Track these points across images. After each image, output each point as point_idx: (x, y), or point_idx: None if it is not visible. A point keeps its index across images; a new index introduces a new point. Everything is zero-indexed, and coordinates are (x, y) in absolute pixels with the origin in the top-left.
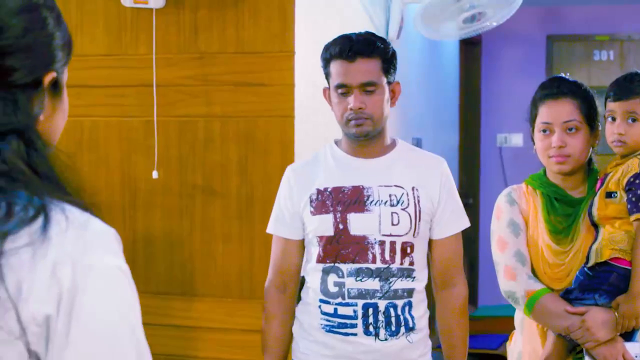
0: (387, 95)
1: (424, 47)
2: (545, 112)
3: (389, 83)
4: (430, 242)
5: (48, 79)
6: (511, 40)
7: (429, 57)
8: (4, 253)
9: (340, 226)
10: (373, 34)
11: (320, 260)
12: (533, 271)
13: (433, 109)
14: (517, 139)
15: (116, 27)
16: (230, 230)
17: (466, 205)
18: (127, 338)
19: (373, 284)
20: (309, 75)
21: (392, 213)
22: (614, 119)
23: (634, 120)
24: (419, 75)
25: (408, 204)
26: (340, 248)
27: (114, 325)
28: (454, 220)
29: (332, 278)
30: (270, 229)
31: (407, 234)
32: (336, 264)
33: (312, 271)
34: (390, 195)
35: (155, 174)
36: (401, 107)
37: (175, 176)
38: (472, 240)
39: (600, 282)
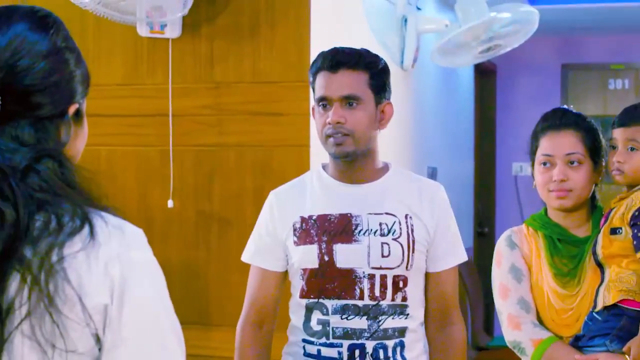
0: (372, 113)
1: (439, 76)
2: (547, 144)
3: (378, 102)
4: (425, 275)
5: (72, 110)
6: (526, 69)
7: (444, 86)
8: (65, 258)
9: (326, 258)
10: (367, 50)
11: (303, 295)
12: (539, 318)
13: (448, 138)
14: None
15: (133, 57)
16: None
17: (481, 235)
18: (166, 316)
19: (360, 322)
20: None
21: (382, 243)
22: (614, 147)
23: (632, 149)
24: (435, 104)
25: (400, 234)
26: (325, 282)
27: (156, 307)
28: (451, 252)
29: (316, 315)
30: (246, 257)
31: (399, 266)
32: (320, 300)
33: (295, 307)
34: (380, 224)
35: (170, 203)
36: (416, 136)
37: (191, 205)
38: (487, 269)
39: (610, 327)
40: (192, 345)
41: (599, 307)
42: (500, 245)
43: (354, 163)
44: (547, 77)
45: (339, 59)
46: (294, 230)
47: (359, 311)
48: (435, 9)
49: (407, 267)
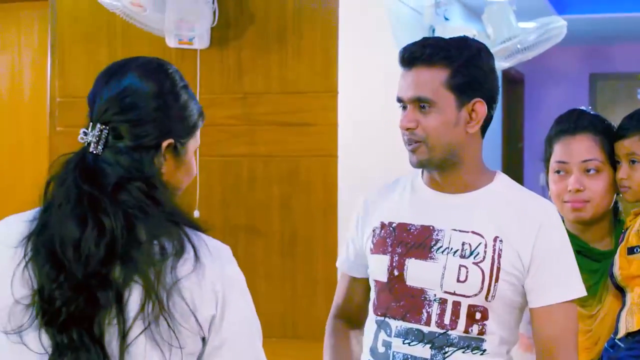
0: (452, 116)
1: None
2: (561, 150)
3: (462, 103)
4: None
5: (165, 144)
6: (554, 78)
7: None
8: (180, 280)
9: (396, 272)
10: (462, 39)
11: (374, 310)
12: None
13: None
14: None
15: None
16: (273, 269)
17: None
18: (253, 319)
19: (423, 351)
20: (352, 114)
21: (460, 266)
22: (618, 163)
23: (634, 162)
24: None
25: (484, 258)
26: (392, 299)
27: (247, 312)
28: (554, 285)
29: (381, 336)
30: (337, 261)
31: (476, 295)
32: (386, 319)
33: (368, 322)
34: (463, 244)
35: (196, 213)
36: None
37: (218, 215)
38: None
39: (635, 356)
40: None
41: (622, 333)
42: None
43: (443, 171)
44: (575, 86)
45: (413, 53)
46: (373, 236)
47: (422, 338)
48: (462, 19)
49: (487, 298)
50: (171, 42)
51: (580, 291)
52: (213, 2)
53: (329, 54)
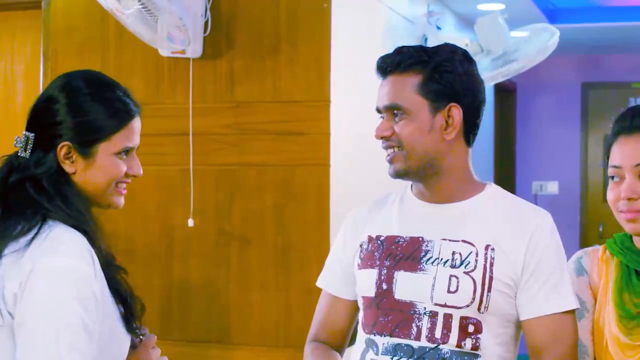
0: (426, 123)
1: None
2: (616, 153)
3: (436, 109)
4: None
5: (59, 147)
6: (546, 87)
7: None
8: (6, 255)
9: (384, 286)
10: (439, 45)
11: (363, 328)
12: None
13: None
14: (552, 187)
15: (154, 77)
16: (267, 279)
17: None
18: (59, 310)
19: None
20: (345, 124)
21: (450, 276)
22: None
23: None
24: None
25: (475, 267)
26: (380, 315)
27: (53, 302)
28: (546, 295)
29: (369, 355)
30: (318, 281)
31: (467, 306)
32: (373, 336)
33: (357, 342)
34: (453, 253)
35: (190, 222)
36: None
37: (212, 225)
38: None
39: None
40: None
41: None
42: (568, 269)
43: (427, 181)
44: (567, 95)
45: (386, 62)
46: (360, 251)
47: (412, 353)
48: (455, 29)
49: (479, 309)
50: (164, 52)
51: (573, 302)
52: (206, 12)
53: (322, 63)
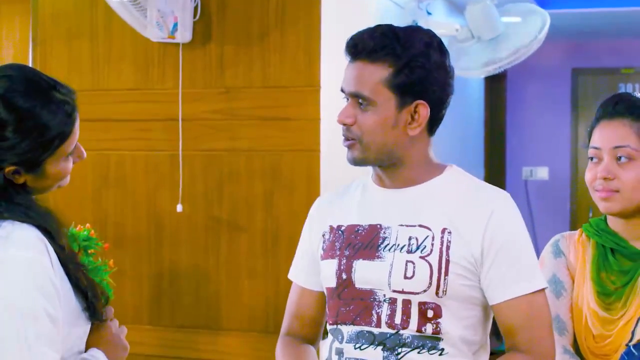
0: (390, 117)
1: None
2: (596, 135)
3: (402, 104)
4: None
5: (7, 171)
6: (536, 73)
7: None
8: None
9: (344, 276)
10: (412, 31)
11: (328, 319)
12: (576, 344)
13: (458, 142)
14: (542, 173)
15: (143, 62)
16: (256, 265)
17: None
18: (17, 299)
19: (374, 353)
20: (334, 109)
21: (407, 262)
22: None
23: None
24: None
25: (431, 251)
26: (341, 304)
27: (8, 292)
28: (512, 278)
29: (335, 344)
30: (289, 272)
31: (425, 291)
32: (337, 326)
33: (328, 332)
34: (410, 239)
35: (179, 208)
36: None
37: (201, 211)
38: None
39: None
40: (201, 349)
41: (636, 339)
42: (545, 252)
43: (385, 169)
44: (557, 81)
45: (357, 44)
46: (323, 241)
47: (373, 340)
48: (445, 14)
49: (437, 293)
50: (153, 37)
51: (542, 281)
52: None
53: (311, 48)
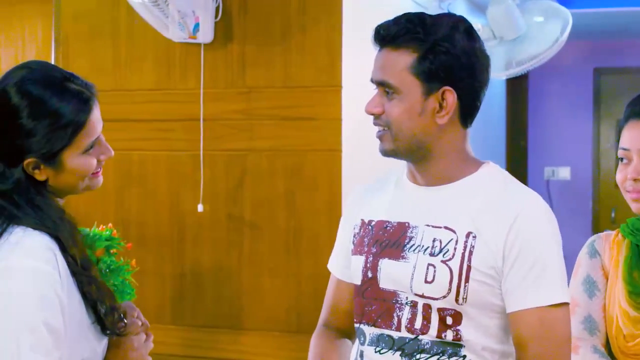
0: (416, 104)
1: None
2: (625, 136)
3: (429, 91)
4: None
5: (26, 163)
6: (558, 73)
7: None
8: None
9: (369, 274)
10: (438, 17)
11: (354, 316)
12: (609, 344)
13: (480, 142)
14: (564, 172)
15: (165, 62)
16: (278, 265)
17: None
18: (18, 307)
19: (393, 358)
20: (356, 109)
21: (428, 265)
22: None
23: None
24: None
25: (453, 255)
26: (365, 304)
27: (9, 300)
28: (529, 287)
29: (358, 345)
30: (329, 262)
31: (444, 297)
32: (361, 325)
33: None
34: (434, 240)
35: (200, 208)
36: None
37: (223, 210)
38: None
39: None
40: (223, 349)
41: None
42: (581, 252)
43: (417, 162)
44: (579, 80)
45: (381, 33)
46: (354, 235)
47: (392, 344)
48: (466, 13)
49: (457, 300)
50: (174, 37)
51: (561, 296)
52: None
53: (333, 48)
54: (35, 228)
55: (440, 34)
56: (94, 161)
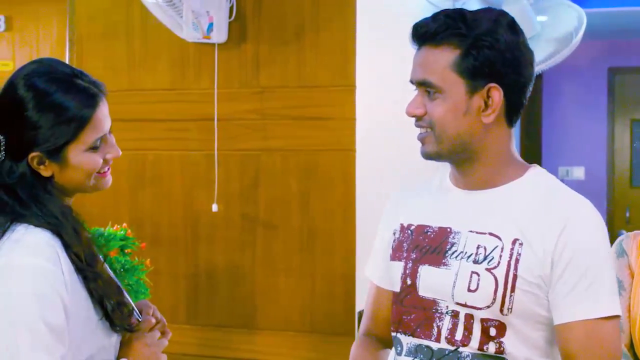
0: (461, 103)
1: None
2: None
3: (474, 89)
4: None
5: (31, 157)
6: (572, 73)
7: None
8: None
9: (408, 281)
10: (480, 11)
11: (391, 323)
12: (633, 346)
13: None
14: (578, 172)
15: (179, 62)
16: (291, 264)
17: None
18: (18, 307)
19: None
20: (370, 108)
21: (472, 273)
22: None
23: None
24: None
25: (498, 263)
26: (403, 312)
27: (10, 300)
28: (577, 299)
29: (394, 355)
30: (366, 269)
31: (488, 307)
32: (398, 334)
33: None
34: (478, 247)
35: (215, 207)
36: None
37: (237, 209)
38: None
39: None
40: (237, 348)
41: None
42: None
43: (460, 165)
44: (594, 80)
45: (420, 30)
46: (393, 240)
47: (431, 356)
48: None
49: (502, 310)
50: (189, 37)
51: (611, 308)
52: None
53: (347, 48)
54: (37, 225)
55: (483, 29)
56: (100, 159)
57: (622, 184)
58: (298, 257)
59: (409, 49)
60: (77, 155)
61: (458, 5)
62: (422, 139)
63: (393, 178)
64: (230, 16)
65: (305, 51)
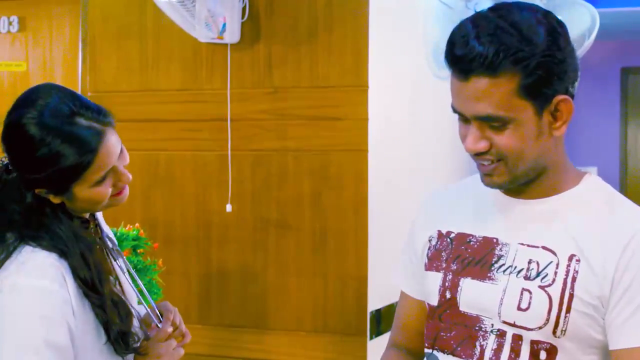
0: (533, 126)
1: None
2: None
3: (542, 106)
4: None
5: (38, 191)
6: (584, 73)
7: None
8: None
9: (447, 294)
10: (525, 20)
11: (425, 338)
12: None
13: None
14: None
15: (191, 62)
16: (304, 265)
17: None
18: (26, 330)
19: None
20: (383, 109)
21: (522, 290)
22: None
23: None
24: None
25: (553, 281)
26: (441, 328)
27: (18, 317)
28: (636, 323)
29: None
30: (395, 277)
31: (540, 328)
32: (434, 351)
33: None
34: (530, 262)
35: (229, 207)
36: None
37: (249, 210)
38: None
39: None
40: (249, 349)
41: None
42: None
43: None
44: (606, 80)
45: (467, 59)
46: (429, 247)
47: None
48: None
49: (554, 332)
50: (201, 37)
51: None
52: None
53: (360, 48)
54: (44, 248)
55: (544, 43)
56: (108, 189)
57: (635, 184)
58: (310, 257)
59: (422, 50)
60: (83, 190)
61: (470, 6)
62: (489, 171)
63: (405, 178)
64: (242, 16)
65: (318, 51)
